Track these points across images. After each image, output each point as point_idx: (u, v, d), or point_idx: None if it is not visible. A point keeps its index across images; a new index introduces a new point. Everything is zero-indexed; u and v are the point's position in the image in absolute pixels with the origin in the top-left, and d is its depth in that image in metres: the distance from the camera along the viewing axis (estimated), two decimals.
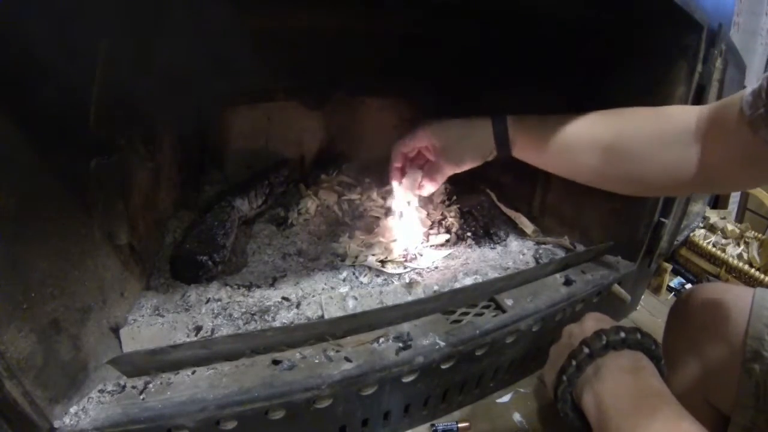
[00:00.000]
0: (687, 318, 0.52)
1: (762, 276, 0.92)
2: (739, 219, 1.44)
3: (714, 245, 1.05)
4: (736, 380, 0.44)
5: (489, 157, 0.61)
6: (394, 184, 0.67)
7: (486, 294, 0.64)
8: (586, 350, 0.41)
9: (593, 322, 0.44)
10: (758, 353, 0.43)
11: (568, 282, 0.68)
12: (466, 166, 0.62)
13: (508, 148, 0.59)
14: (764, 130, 0.39)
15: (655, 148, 0.49)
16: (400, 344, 0.53)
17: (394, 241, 0.75)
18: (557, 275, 0.70)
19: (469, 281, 0.69)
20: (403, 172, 0.66)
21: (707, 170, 0.47)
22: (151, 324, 0.56)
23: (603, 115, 0.55)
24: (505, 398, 0.68)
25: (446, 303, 0.60)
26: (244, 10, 0.70)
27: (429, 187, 0.65)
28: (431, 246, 0.79)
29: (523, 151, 0.60)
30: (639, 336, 0.41)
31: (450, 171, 0.63)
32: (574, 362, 0.41)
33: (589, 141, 0.54)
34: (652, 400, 0.36)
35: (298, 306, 0.61)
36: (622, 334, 0.40)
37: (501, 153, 0.60)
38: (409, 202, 0.74)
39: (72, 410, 0.42)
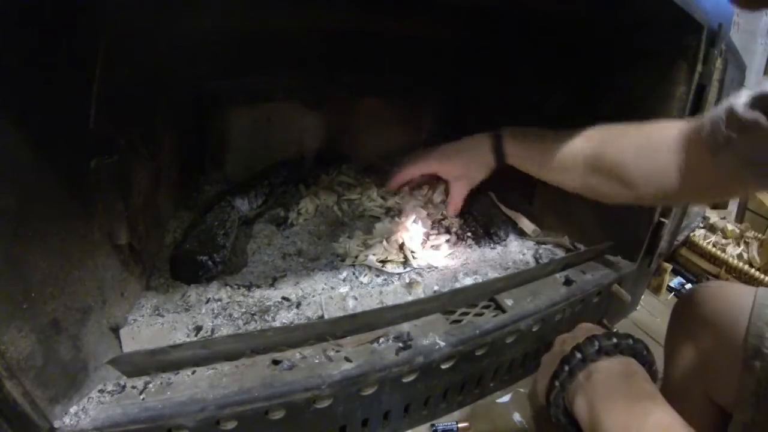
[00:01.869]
0: (689, 316, 0.53)
1: (762, 276, 0.92)
2: (739, 219, 1.44)
3: (714, 245, 1.05)
4: (737, 377, 0.44)
5: (492, 167, 0.71)
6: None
7: (486, 294, 0.64)
8: (579, 355, 0.41)
9: (585, 330, 0.45)
10: (759, 351, 0.43)
11: (568, 282, 0.68)
12: (477, 180, 0.75)
13: (505, 158, 0.69)
14: (723, 153, 0.43)
15: (637, 158, 0.53)
16: (400, 344, 0.53)
17: (395, 241, 0.75)
18: (557, 275, 0.70)
19: (469, 281, 0.69)
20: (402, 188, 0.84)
21: (685, 182, 0.49)
22: (151, 324, 0.56)
23: (590, 133, 0.59)
24: (505, 398, 0.68)
25: (446, 303, 0.60)
26: (244, 10, 0.70)
27: (454, 210, 0.81)
28: (431, 246, 0.79)
29: (517, 159, 0.68)
30: (631, 341, 0.41)
31: (466, 189, 0.76)
32: (566, 367, 0.41)
33: (575, 159, 0.59)
34: (644, 404, 0.36)
35: (298, 306, 0.61)
36: (614, 340, 0.41)
37: (499, 163, 0.70)
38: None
39: (72, 410, 0.42)
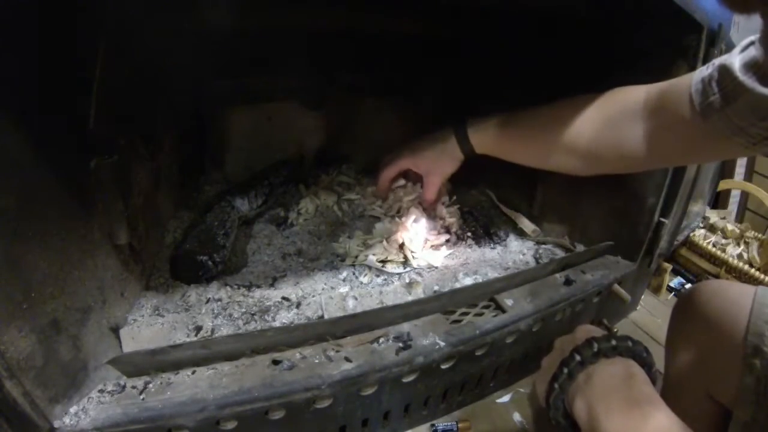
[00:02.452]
0: (690, 314, 0.53)
1: (762, 276, 0.92)
2: (739, 219, 1.44)
3: (714, 245, 1.05)
4: (738, 375, 0.44)
5: (460, 158, 0.73)
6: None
7: (486, 294, 0.64)
8: (578, 358, 0.41)
9: (585, 333, 0.45)
10: (759, 349, 0.43)
11: (568, 282, 0.68)
12: (446, 172, 0.76)
13: (471, 148, 0.70)
14: (715, 117, 0.42)
15: (603, 127, 0.53)
16: (400, 344, 0.53)
17: (395, 241, 0.75)
18: (557, 275, 0.70)
19: (469, 281, 0.69)
20: (388, 189, 0.87)
21: (657, 146, 0.49)
22: (151, 324, 0.56)
23: (550, 107, 0.60)
24: (505, 398, 0.68)
25: (446, 303, 0.60)
26: (244, 10, 0.70)
27: (429, 199, 0.81)
28: (431, 246, 0.79)
29: (485, 147, 0.69)
30: (630, 343, 0.41)
31: (437, 180, 0.77)
32: (565, 370, 0.41)
33: (539, 132, 0.61)
34: (643, 406, 0.36)
35: (298, 306, 0.61)
36: (613, 342, 0.41)
37: (466, 153, 0.71)
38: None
39: (72, 410, 0.42)
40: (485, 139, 0.68)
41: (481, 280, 0.70)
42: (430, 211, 0.88)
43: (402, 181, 0.88)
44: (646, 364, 0.41)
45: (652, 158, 0.52)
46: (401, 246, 0.74)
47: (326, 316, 0.59)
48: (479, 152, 0.70)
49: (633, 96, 0.51)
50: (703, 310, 0.51)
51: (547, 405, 0.43)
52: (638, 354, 0.41)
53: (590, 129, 0.55)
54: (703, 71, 0.44)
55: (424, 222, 0.81)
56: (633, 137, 0.51)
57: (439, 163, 0.75)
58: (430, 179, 0.78)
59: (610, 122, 0.53)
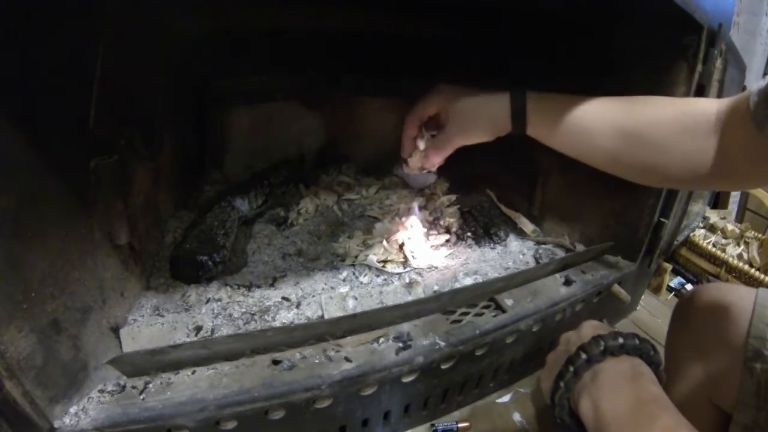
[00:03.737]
0: (690, 318, 0.52)
1: (762, 276, 0.92)
2: (739, 219, 1.44)
3: (714, 245, 1.05)
4: (738, 379, 0.44)
5: (501, 132, 0.57)
6: (405, 158, 0.64)
7: (486, 294, 0.64)
8: (584, 356, 0.40)
9: (591, 329, 0.44)
10: (759, 352, 0.43)
11: (568, 282, 0.68)
12: (476, 139, 0.59)
13: (524, 125, 0.55)
14: None
15: (675, 135, 0.48)
16: (400, 344, 0.53)
17: (395, 241, 0.75)
18: (557, 275, 0.70)
19: (469, 281, 0.69)
20: (414, 144, 0.62)
21: (723, 164, 0.46)
22: (151, 324, 0.56)
23: (623, 100, 0.53)
24: (505, 398, 0.68)
25: (446, 303, 0.60)
26: (244, 9, 0.70)
27: (435, 159, 0.61)
28: (431, 246, 0.79)
29: (539, 129, 0.56)
30: (637, 341, 0.40)
31: (459, 142, 0.59)
32: (571, 368, 0.40)
33: (608, 124, 0.52)
34: (650, 406, 0.36)
35: (298, 306, 0.61)
36: (620, 340, 0.40)
37: (516, 129, 0.56)
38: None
39: (72, 410, 0.42)
40: (544, 124, 0.55)
41: (481, 280, 0.70)
42: (429, 209, 0.88)
43: (434, 132, 0.63)
44: (654, 363, 0.40)
45: (718, 175, 0.48)
46: (401, 246, 0.74)
47: (326, 316, 0.59)
48: (530, 134, 0.57)
49: (706, 108, 0.47)
50: (704, 313, 0.50)
51: (552, 403, 0.43)
52: (645, 352, 0.40)
53: (670, 142, 0.49)
54: (761, 83, 0.41)
55: (423, 222, 0.81)
56: (705, 151, 0.47)
57: (475, 125, 0.57)
58: (453, 139, 0.59)
59: (688, 134, 0.48)
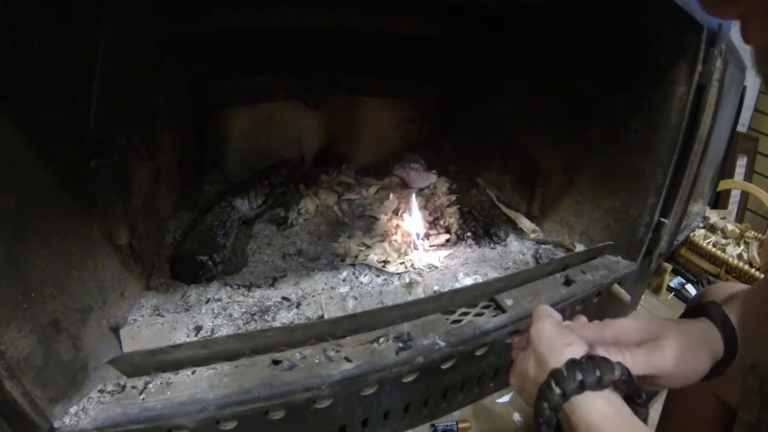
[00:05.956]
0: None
1: (762, 276, 0.92)
2: (739, 219, 1.44)
3: (714, 245, 1.05)
4: (742, 375, 0.44)
5: (717, 359, 0.42)
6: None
7: (486, 294, 0.63)
8: (558, 391, 0.35)
9: (551, 327, 0.38)
10: None
11: (568, 282, 0.68)
12: (695, 378, 0.42)
13: (734, 349, 0.42)
14: None
15: None
16: (400, 344, 0.53)
17: (395, 241, 0.75)
18: (557, 275, 0.70)
19: (469, 281, 0.69)
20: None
21: None
22: (151, 324, 0.56)
23: None
24: (505, 398, 0.68)
25: (446, 303, 0.60)
26: (245, 11, 0.70)
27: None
28: (431, 246, 0.79)
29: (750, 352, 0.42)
30: (617, 373, 0.35)
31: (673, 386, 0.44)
32: (546, 405, 0.36)
33: None
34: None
35: (298, 306, 0.61)
36: (597, 374, 0.35)
37: (727, 355, 0.42)
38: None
39: (72, 410, 0.42)
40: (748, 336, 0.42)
41: (481, 280, 0.70)
42: (429, 209, 0.88)
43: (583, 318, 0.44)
44: (636, 392, 0.36)
45: None
46: (401, 246, 0.74)
47: (326, 316, 0.59)
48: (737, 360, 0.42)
49: None
50: None
51: (537, 425, 0.39)
52: (630, 387, 0.36)
53: None
54: None
55: (423, 222, 0.81)
56: None
57: (685, 363, 0.40)
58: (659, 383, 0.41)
59: None
